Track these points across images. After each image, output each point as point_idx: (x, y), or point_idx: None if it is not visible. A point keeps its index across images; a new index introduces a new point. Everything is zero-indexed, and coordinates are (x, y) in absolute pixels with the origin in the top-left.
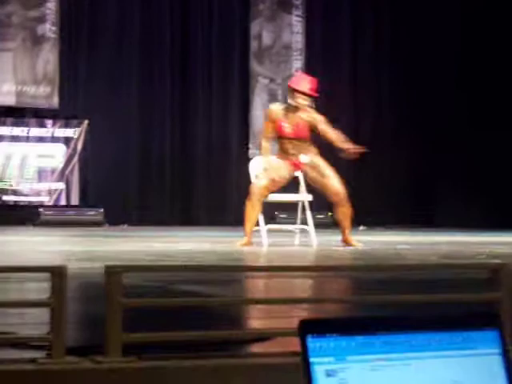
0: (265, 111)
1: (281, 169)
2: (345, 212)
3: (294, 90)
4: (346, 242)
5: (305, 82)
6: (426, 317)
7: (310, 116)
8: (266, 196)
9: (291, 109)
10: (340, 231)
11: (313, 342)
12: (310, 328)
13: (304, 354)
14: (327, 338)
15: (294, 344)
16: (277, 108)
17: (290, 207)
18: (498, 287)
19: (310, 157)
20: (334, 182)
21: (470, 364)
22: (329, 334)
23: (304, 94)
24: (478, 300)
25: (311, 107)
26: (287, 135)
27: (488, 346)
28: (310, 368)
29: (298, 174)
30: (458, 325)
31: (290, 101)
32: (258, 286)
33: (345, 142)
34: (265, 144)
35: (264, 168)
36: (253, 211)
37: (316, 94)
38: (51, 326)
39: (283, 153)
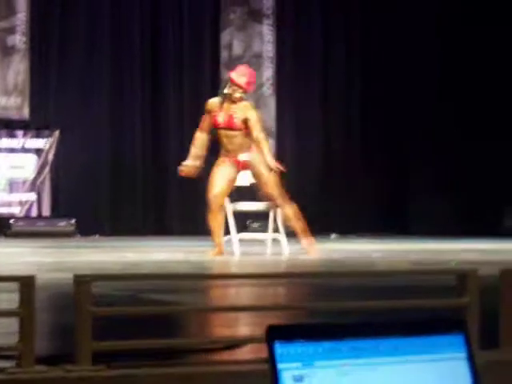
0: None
1: (226, 169)
2: (286, 214)
3: (232, 81)
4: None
5: (243, 75)
6: (393, 322)
7: (245, 111)
8: (223, 201)
9: (227, 99)
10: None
11: (280, 348)
12: (277, 334)
13: (272, 359)
14: (294, 344)
15: (262, 351)
16: (213, 100)
17: (262, 216)
18: (465, 293)
19: (248, 155)
20: (267, 187)
21: (436, 368)
22: (296, 339)
23: (239, 86)
24: (446, 305)
25: (245, 100)
26: (219, 125)
27: (454, 350)
28: (278, 374)
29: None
30: (423, 330)
31: (226, 90)
32: (226, 294)
33: (271, 159)
34: (197, 134)
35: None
36: (216, 221)
37: (250, 89)
38: (20, 335)
39: (224, 151)
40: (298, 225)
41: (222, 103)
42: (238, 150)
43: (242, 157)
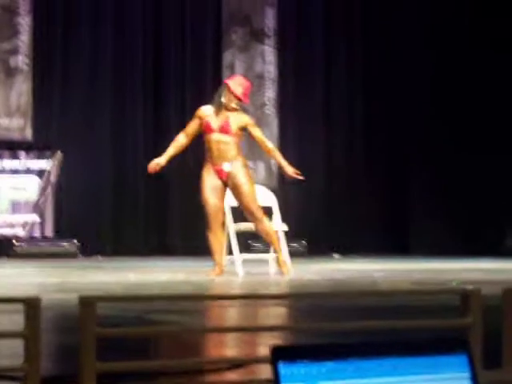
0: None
1: (213, 181)
2: (266, 229)
3: (229, 90)
4: (278, 264)
5: (240, 85)
6: (396, 342)
7: (241, 118)
8: (222, 218)
9: (221, 107)
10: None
11: (284, 368)
12: (281, 354)
13: (276, 380)
14: (298, 364)
15: (265, 371)
16: (206, 108)
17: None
18: (468, 313)
19: (232, 166)
20: (246, 199)
21: None
22: (300, 360)
23: (236, 96)
24: (449, 326)
25: (238, 110)
26: (213, 130)
27: (457, 370)
28: None
29: (270, 202)
30: (427, 350)
31: (222, 98)
32: (229, 314)
33: (289, 166)
34: (180, 137)
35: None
36: (216, 239)
37: (246, 101)
38: (26, 356)
39: (211, 158)
40: (277, 242)
41: (217, 110)
42: (225, 158)
43: (226, 167)
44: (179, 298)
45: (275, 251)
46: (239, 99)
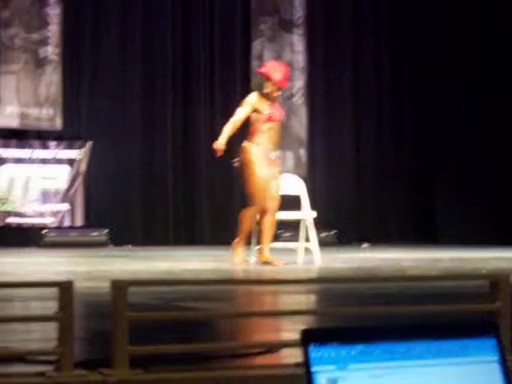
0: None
1: (264, 162)
2: (271, 222)
3: (269, 79)
4: (262, 259)
5: (278, 72)
6: (425, 326)
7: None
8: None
9: (267, 98)
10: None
11: (315, 351)
12: (311, 337)
13: (306, 362)
14: (328, 347)
15: (294, 356)
16: (257, 96)
17: (293, 226)
18: (497, 298)
19: (274, 155)
20: (277, 188)
21: (469, 371)
22: (330, 342)
23: (278, 84)
24: (478, 310)
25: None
26: (274, 119)
27: (486, 353)
28: (313, 376)
29: (299, 190)
30: (456, 333)
31: (264, 90)
32: (258, 300)
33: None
34: (236, 121)
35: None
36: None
37: (287, 85)
38: (59, 340)
39: (267, 145)
40: (270, 236)
41: (264, 101)
42: (275, 147)
43: (272, 155)
44: (210, 282)
45: (264, 243)
46: (281, 86)
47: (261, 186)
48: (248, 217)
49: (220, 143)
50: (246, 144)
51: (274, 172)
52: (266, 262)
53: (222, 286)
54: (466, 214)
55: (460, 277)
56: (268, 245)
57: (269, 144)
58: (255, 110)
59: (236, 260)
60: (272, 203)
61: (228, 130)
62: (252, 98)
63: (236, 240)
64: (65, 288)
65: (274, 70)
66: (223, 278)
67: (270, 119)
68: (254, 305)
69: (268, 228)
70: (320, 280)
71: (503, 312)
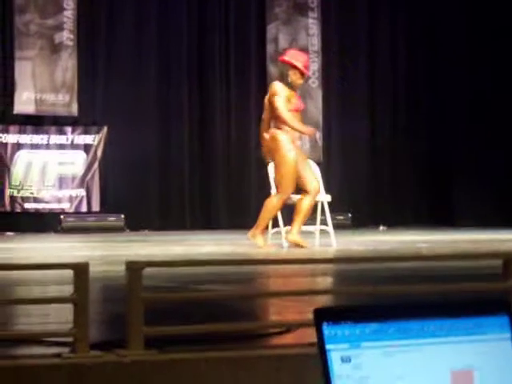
0: (270, 91)
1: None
2: (310, 204)
3: (293, 67)
4: (292, 239)
5: (300, 60)
6: (438, 303)
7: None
8: None
9: (290, 87)
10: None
11: (328, 330)
12: (325, 316)
13: (320, 340)
14: (342, 326)
15: (311, 335)
16: (282, 85)
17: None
18: (510, 277)
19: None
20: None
21: (482, 349)
22: (343, 321)
23: (301, 72)
24: (491, 289)
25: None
26: (299, 109)
27: (498, 331)
28: (327, 354)
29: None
30: (468, 311)
31: (288, 78)
32: (275, 282)
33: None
34: (290, 114)
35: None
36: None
37: (308, 72)
38: (75, 321)
39: (290, 132)
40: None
41: (289, 89)
42: (296, 138)
43: (298, 142)
44: (223, 262)
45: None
46: (303, 73)
47: (293, 172)
48: (275, 205)
49: (309, 130)
50: (275, 131)
51: (304, 157)
52: (295, 244)
53: (238, 268)
54: (481, 197)
55: (473, 256)
56: (300, 227)
57: (294, 132)
58: None
59: (260, 243)
60: (314, 185)
61: (293, 119)
62: (280, 87)
63: (255, 229)
64: (80, 270)
65: (296, 58)
66: (237, 259)
67: (295, 110)
68: (270, 286)
69: (306, 210)
70: (333, 260)
71: None
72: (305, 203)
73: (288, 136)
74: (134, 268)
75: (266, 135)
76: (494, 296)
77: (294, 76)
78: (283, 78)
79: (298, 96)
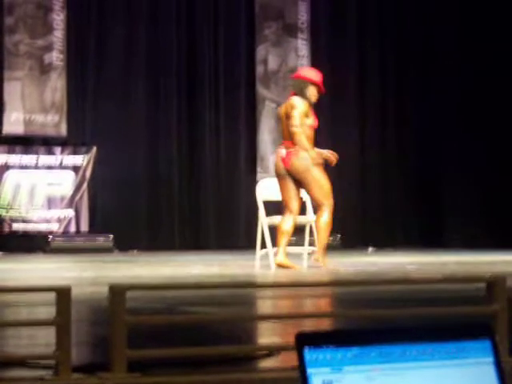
0: (290, 104)
1: None
2: (330, 222)
3: (313, 83)
4: (321, 261)
5: (317, 77)
6: (420, 328)
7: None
8: None
9: (309, 103)
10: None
11: (310, 354)
12: (306, 340)
13: (301, 365)
14: (324, 350)
15: (293, 359)
16: (302, 100)
17: (298, 230)
18: (493, 300)
19: None
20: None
21: (464, 373)
22: (325, 345)
23: (320, 89)
24: (475, 313)
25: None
26: (316, 126)
27: (481, 355)
28: (308, 379)
29: (304, 196)
30: (451, 335)
31: (307, 94)
32: (261, 304)
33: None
34: (304, 135)
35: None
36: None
37: (324, 91)
38: (57, 344)
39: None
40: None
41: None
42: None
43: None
44: (203, 286)
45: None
46: (320, 90)
47: (328, 187)
48: (327, 222)
49: (322, 153)
50: (297, 149)
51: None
52: (322, 264)
53: (224, 290)
54: (471, 218)
55: (457, 280)
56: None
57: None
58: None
59: (326, 264)
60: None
61: (305, 140)
62: (300, 102)
63: (319, 252)
64: (63, 293)
65: (314, 75)
66: (216, 282)
67: (311, 126)
68: (255, 308)
69: (326, 229)
70: (320, 283)
71: (500, 314)
72: (322, 225)
73: (310, 152)
74: (117, 291)
75: (283, 151)
76: (477, 320)
77: (311, 92)
78: (301, 94)
79: (314, 113)
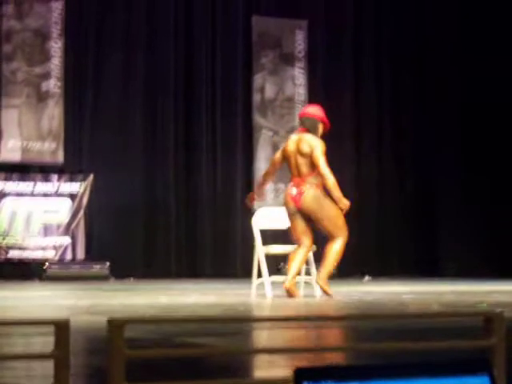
0: (306, 142)
1: None
2: (341, 252)
3: (323, 122)
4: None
5: (324, 114)
6: (419, 363)
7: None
8: None
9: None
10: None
11: None
12: (304, 376)
13: None
14: None
15: None
16: (319, 139)
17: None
18: (491, 335)
19: None
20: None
21: None
22: (324, 381)
23: (327, 126)
24: (473, 347)
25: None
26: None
27: None
28: None
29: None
30: (450, 370)
31: (319, 133)
32: (259, 336)
33: None
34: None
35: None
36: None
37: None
38: (55, 378)
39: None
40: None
41: None
42: None
43: None
44: (206, 320)
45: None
46: (327, 131)
47: (342, 219)
48: (340, 252)
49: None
50: (308, 188)
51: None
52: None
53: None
54: (467, 247)
55: (455, 314)
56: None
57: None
58: None
59: (330, 291)
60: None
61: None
62: (318, 142)
63: (323, 277)
64: (61, 326)
65: (323, 114)
66: (215, 317)
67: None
68: (256, 340)
69: (335, 257)
70: (315, 318)
71: (498, 349)
72: (335, 255)
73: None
74: (116, 324)
75: (293, 191)
76: (475, 355)
77: (321, 130)
78: (315, 133)
79: None
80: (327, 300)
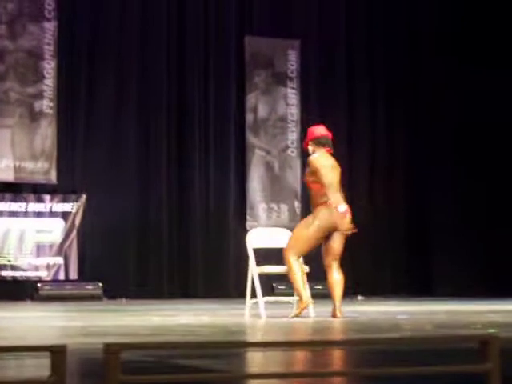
0: (321, 161)
1: None
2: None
3: (332, 139)
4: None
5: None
6: None
7: None
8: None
9: None
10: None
11: None
12: None
13: None
14: None
15: None
16: None
17: (287, 279)
18: (487, 359)
19: None
20: None
21: None
22: None
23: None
24: (468, 371)
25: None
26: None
27: None
28: None
29: None
30: None
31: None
32: (255, 360)
33: None
34: None
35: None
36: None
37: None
38: None
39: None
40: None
41: None
42: None
43: None
44: (201, 346)
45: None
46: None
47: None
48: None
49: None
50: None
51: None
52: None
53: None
54: (460, 267)
55: (450, 339)
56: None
57: None
58: None
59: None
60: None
61: None
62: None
63: (339, 306)
64: (57, 352)
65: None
66: (218, 341)
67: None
68: (251, 363)
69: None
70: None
71: (494, 372)
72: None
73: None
74: (112, 351)
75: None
76: (471, 379)
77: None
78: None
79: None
80: (321, 321)
